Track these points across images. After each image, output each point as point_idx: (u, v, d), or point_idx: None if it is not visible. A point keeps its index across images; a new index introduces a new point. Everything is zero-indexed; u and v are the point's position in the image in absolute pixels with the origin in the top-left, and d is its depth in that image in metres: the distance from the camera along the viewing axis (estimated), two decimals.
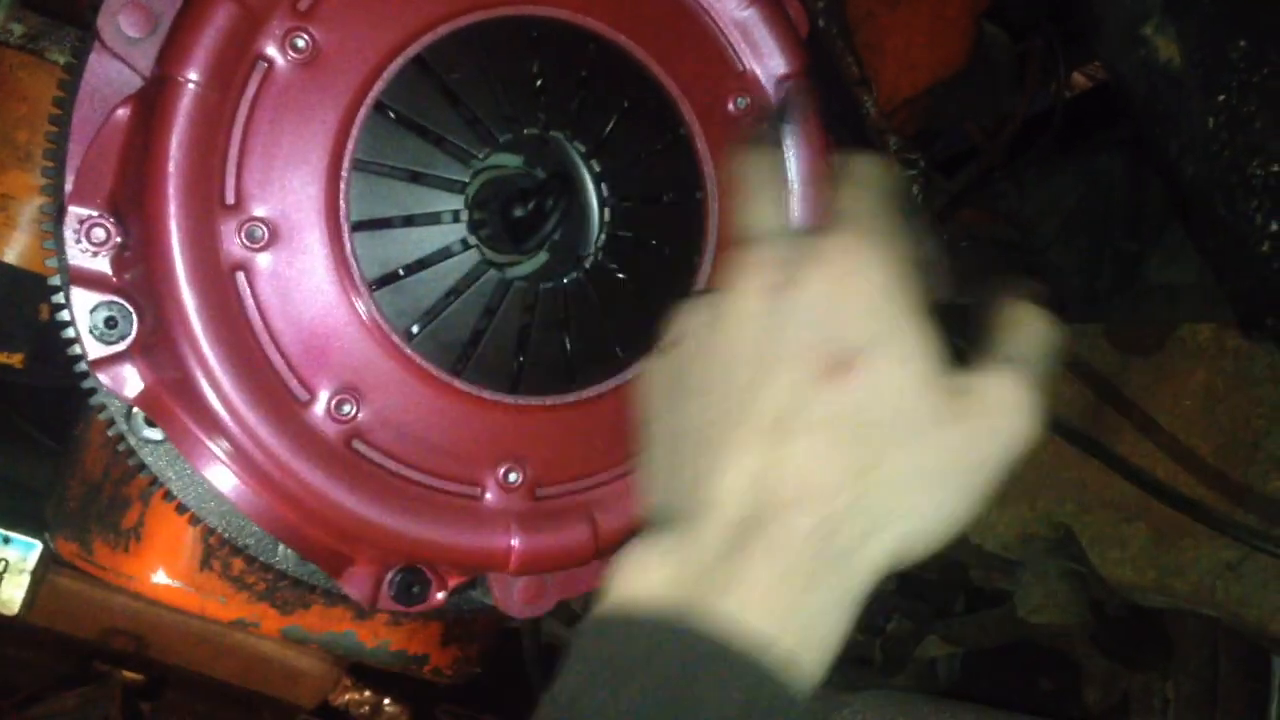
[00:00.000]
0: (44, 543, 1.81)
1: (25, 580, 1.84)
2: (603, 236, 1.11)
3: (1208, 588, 1.53)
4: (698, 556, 0.78)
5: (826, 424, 0.78)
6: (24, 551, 1.83)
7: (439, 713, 2.65)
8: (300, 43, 1.01)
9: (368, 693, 2.72)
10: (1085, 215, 1.87)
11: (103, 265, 1.03)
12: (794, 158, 1.18)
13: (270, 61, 1.01)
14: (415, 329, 1.04)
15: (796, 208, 1.18)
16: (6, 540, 1.78)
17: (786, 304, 0.80)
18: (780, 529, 0.77)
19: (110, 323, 1.02)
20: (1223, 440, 1.54)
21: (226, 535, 1.09)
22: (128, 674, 2.24)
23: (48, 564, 1.85)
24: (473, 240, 1.06)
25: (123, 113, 1.02)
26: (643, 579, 0.79)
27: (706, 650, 0.75)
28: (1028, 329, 0.84)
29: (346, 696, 2.70)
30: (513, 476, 1.08)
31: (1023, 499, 1.72)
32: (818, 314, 0.79)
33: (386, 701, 2.72)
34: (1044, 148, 1.83)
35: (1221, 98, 1.08)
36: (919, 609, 2.18)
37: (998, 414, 0.79)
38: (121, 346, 1.03)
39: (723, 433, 0.80)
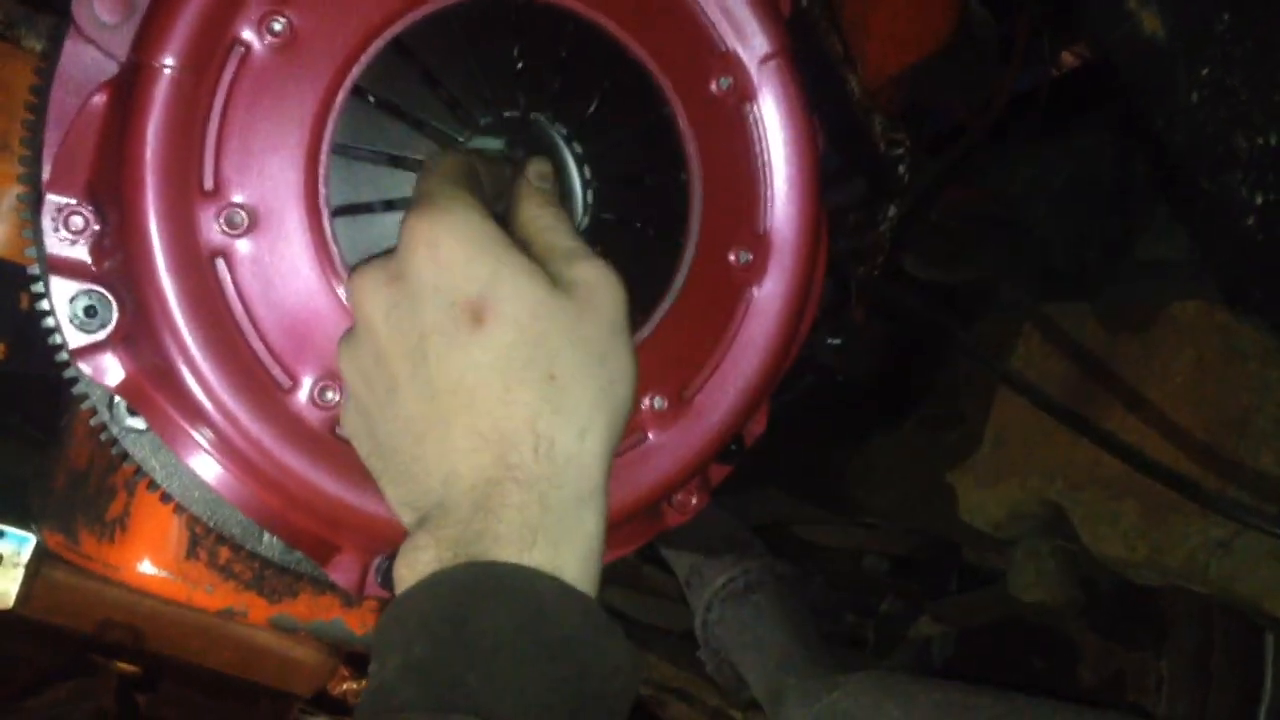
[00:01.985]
0: (37, 537, 1.81)
1: (19, 574, 1.83)
2: (586, 219, 1.10)
3: (1199, 564, 1.53)
4: (449, 528, 0.88)
5: (490, 365, 0.89)
6: (18, 545, 1.83)
7: None
8: (277, 26, 1.00)
9: (365, 681, 2.72)
10: (1073, 193, 1.87)
11: (81, 253, 1.02)
12: (777, 143, 1.18)
13: (247, 45, 1.00)
14: None
15: (781, 190, 1.18)
16: (1, 534, 1.78)
17: (403, 293, 0.91)
18: (507, 471, 0.88)
19: (90, 311, 1.02)
20: (1212, 417, 1.54)
21: (212, 524, 1.08)
22: (123, 665, 2.24)
23: (42, 557, 1.84)
24: None
25: (99, 99, 1.01)
26: (412, 571, 0.89)
27: (475, 591, 0.85)
28: (542, 220, 0.99)
29: (344, 686, 2.71)
30: None
31: (1013, 477, 1.72)
32: (430, 286, 0.90)
33: None
34: (1031, 125, 1.82)
35: (1205, 71, 1.08)
36: (912, 589, 2.19)
37: (602, 292, 0.94)
38: (102, 335, 1.02)
39: (422, 421, 0.91)
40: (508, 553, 0.86)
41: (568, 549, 0.89)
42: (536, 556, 0.87)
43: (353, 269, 0.96)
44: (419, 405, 0.91)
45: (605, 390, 0.92)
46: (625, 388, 0.94)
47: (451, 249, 0.90)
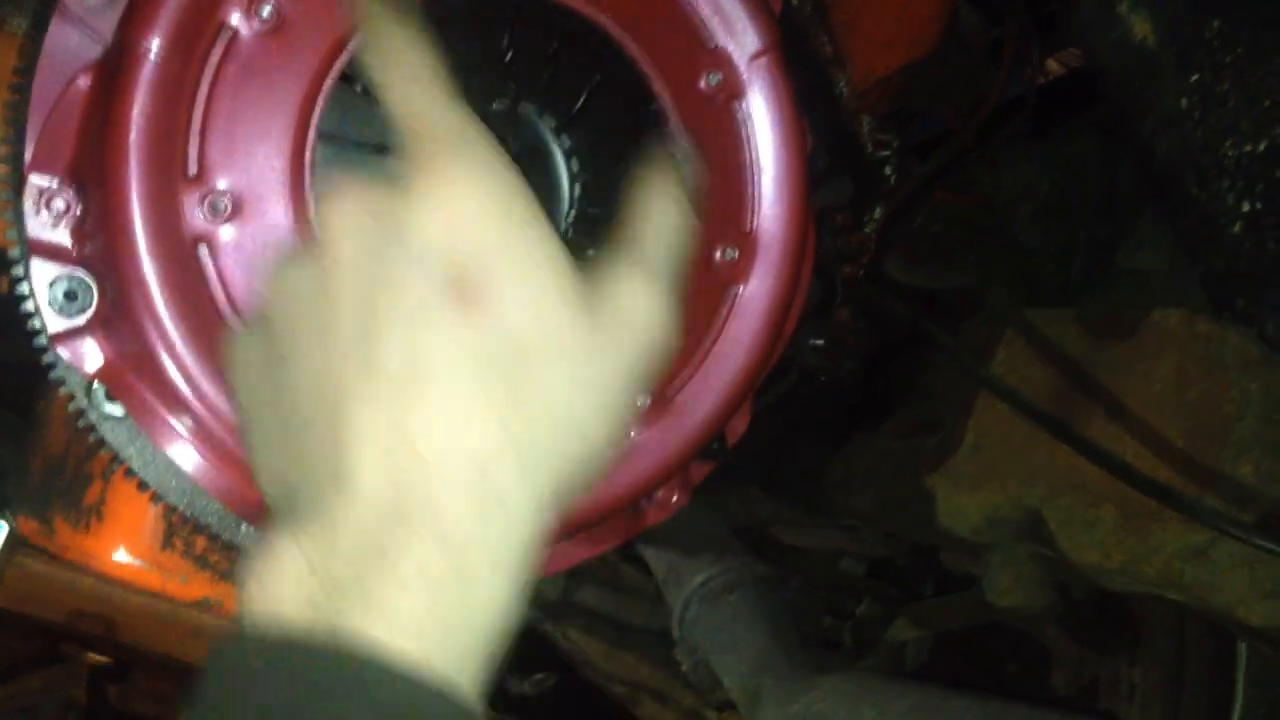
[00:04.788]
0: (9, 524, 1.79)
1: None
2: (573, 213, 1.09)
3: (1176, 572, 1.54)
4: (335, 561, 0.67)
5: (462, 363, 0.69)
6: None
7: None
8: (265, 11, 0.99)
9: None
10: (1059, 200, 1.87)
11: (63, 237, 1.01)
12: (765, 140, 1.17)
13: (234, 30, 0.99)
14: None
15: (769, 188, 1.18)
16: None
17: (390, 240, 0.71)
18: (430, 513, 0.68)
19: (70, 295, 1.01)
20: (1192, 425, 1.54)
21: (188, 513, 1.07)
22: (94, 656, 2.22)
23: (14, 546, 1.82)
24: None
25: (84, 81, 1.00)
26: (274, 591, 0.68)
27: (335, 687, 0.64)
28: (658, 220, 0.81)
29: None
30: None
31: (992, 482, 1.72)
32: (429, 244, 0.70)
33: None
34: (1018, 131, 1.83)
35: (1195, 77, 1.08)
36: (888, 592, 2.19)
37: (631, 321, 0.75)
38: (81, 320, 1.01)
39: (344, 394, 0.70)
40: (389, 633, 0.66)
41: (467, 642, 0.69)
42: (425, 647, 0.66)
43: (338, 181, 0.76)
44: (343, 365, 0.70)
45: (583, 452, 0.74)
46: (604, 456, 0.76)
47: (474, 211, 0.71)
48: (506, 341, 0.70)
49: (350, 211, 0.73)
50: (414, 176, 0.72)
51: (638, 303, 0.75)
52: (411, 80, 0.76)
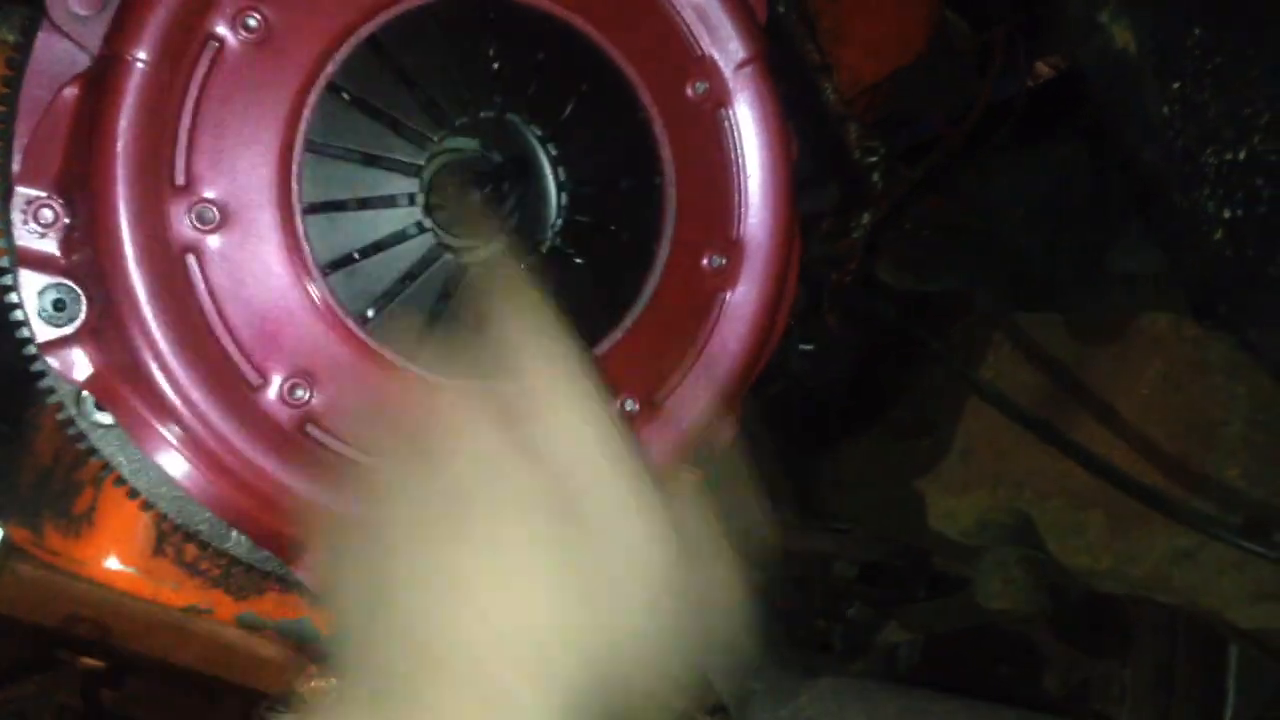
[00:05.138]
0: (1, 531, 1.79)
1: None
2: (560, 221, 1.10)
3: (1164, 574, 1.54)
4: None
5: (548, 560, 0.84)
6: None
7: None
8: (252, 22, 1.00)
9: (333, 680, 2.70)
10: (1048, 204, 1.87)
11: (51, 247, 1.01)
12: (751, 148, 1.18)
13: (221, 41, 0.99)
14: (370, 313, 1.03)
15: (755, 195, 1.18)
16: None
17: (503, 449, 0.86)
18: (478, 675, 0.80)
19: (59, 305, 1.01)
20: (1179, 429, 1.55)
21: (179, 521, 1.07)
22: (89, 661, 2.22)
23: (8, 551, 1.82)
24: (428, 224, 1.05)
25: (71, 92, 1.00)
26: None
27: None
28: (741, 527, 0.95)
29: (312, 684, 2.69)
30: None
31: (982, 486, 1.73)
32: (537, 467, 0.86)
33: None
34: (1006, 135, 1.83)
35: (1176, 85, 1.08)
36: (880, 595, 2.19)
37: (713, 605, 0.89)
38: (70, 329, 1.01)
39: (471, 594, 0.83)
40: None
41: None
42: None
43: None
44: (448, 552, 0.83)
45: (628, 672, 0.84)
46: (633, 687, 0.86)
47: (584, 446, 0.85)
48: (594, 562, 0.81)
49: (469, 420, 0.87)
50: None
51: (723, 593, 0.89)
52: (531, 331, 0.91)
